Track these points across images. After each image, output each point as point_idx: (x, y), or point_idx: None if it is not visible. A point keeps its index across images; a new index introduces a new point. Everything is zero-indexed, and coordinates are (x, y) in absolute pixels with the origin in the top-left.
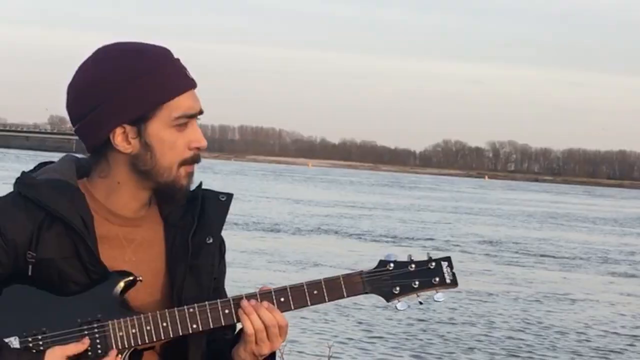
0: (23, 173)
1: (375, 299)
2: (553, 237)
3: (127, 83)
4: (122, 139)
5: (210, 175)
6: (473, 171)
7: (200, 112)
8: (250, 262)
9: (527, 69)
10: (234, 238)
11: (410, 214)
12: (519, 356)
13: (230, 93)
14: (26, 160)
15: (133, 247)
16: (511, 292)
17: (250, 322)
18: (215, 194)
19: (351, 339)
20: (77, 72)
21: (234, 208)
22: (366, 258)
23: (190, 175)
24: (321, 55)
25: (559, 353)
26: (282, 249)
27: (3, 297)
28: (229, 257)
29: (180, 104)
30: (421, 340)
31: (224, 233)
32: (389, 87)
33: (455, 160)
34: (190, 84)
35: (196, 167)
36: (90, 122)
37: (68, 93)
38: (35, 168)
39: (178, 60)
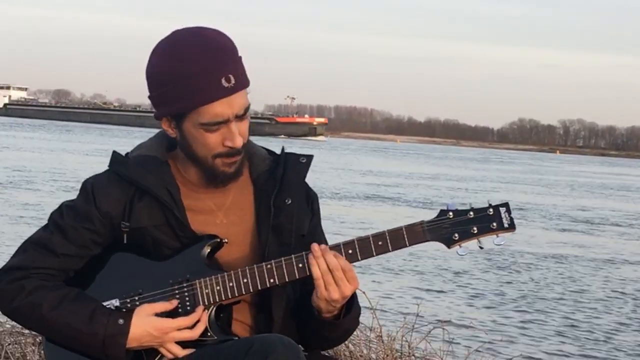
0: (114, 152)
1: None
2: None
3: (164, 83)
4: (167, 126)
5: (309, 150)
6: (545, 146)
7: (239, 116)
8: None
9: (595, 54)
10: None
11: (479, 184)
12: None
13: (328, 76)
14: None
15: (224, 210)
16: (566, 255)
17: (317, 265)
18: (297, 157)
19: (440, 296)
20: None
21: (318, 180)
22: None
23: (230, 164)
24: (409, 41)
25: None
26: (351, 215)
27: (104, 265)
28: None
29: (207, 112)
30: (495, 299)
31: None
32: (470, 70)
33: (530, 136)
34: (224, 93)
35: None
36: (152, 105)
37: None
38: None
39: (228, 62)
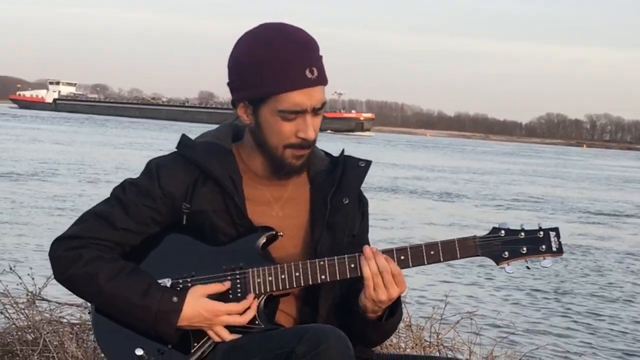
0: (183, 135)
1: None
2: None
3: (249, 68)
4: (243, 112)
5: (338, 143)
6: (572, 140)
7: (316, 109)
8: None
9: (621, 51)
10: None
11: (509, 177)
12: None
13: (360, 72)
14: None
15: (280, 203)
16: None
17: (368, 266)
18: (356, 160)
19: (468, 287)
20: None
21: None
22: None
23: (298, 157)
24: (439, 38)
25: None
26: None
27: (160, 244)
28: None
29: (287, 99)
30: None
31: (367, 195)
32: (499, 66)
33: (557, 131)
34: (306, 83)
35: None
36: (230, 92)
37: None
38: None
39: (313, 56)
